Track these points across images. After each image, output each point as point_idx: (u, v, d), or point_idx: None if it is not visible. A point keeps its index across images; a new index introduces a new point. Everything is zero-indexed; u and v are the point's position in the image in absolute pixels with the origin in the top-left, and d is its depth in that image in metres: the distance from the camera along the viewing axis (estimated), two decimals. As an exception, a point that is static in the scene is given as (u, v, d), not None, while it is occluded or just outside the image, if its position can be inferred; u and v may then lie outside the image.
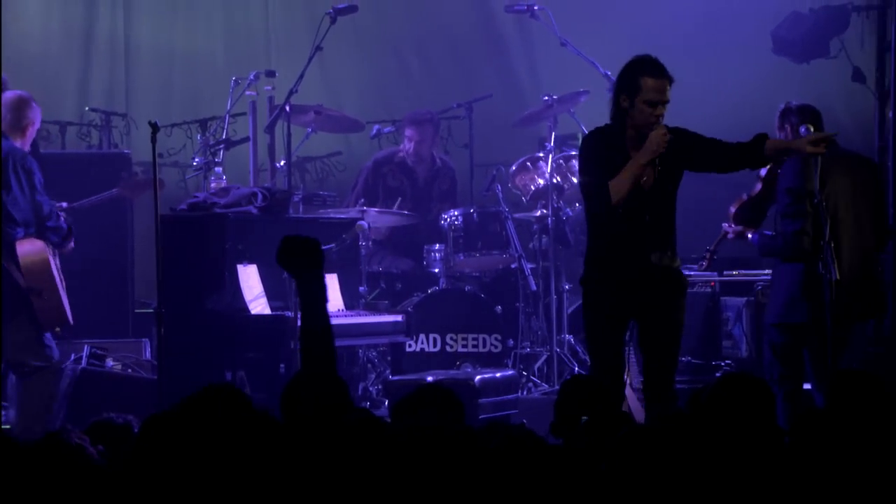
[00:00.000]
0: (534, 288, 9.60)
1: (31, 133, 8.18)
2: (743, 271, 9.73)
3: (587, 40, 10.28)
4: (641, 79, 6.75)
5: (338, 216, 9.50)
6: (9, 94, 8.13)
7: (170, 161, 11.12)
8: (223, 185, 9.22)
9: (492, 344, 9.71)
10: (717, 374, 9.13)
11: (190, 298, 8.28)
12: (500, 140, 10.87)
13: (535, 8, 10.16)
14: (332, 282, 8.74)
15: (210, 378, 8.20)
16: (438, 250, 9.84)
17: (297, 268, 5.25)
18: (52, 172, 8.57)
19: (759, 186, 7.81)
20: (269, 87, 10.33)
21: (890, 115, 9.70)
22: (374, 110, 11.51)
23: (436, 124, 10.51)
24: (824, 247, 7.26)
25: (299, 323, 8.09)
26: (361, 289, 9.33)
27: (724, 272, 9.66)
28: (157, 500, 3.81)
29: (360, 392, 9.19)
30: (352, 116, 10.75)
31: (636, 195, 6.76)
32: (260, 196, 8.71)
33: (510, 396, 8.81)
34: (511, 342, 9.68)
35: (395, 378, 8.83)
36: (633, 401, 8.19)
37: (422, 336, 9.65)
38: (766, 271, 9.39)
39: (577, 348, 9.72)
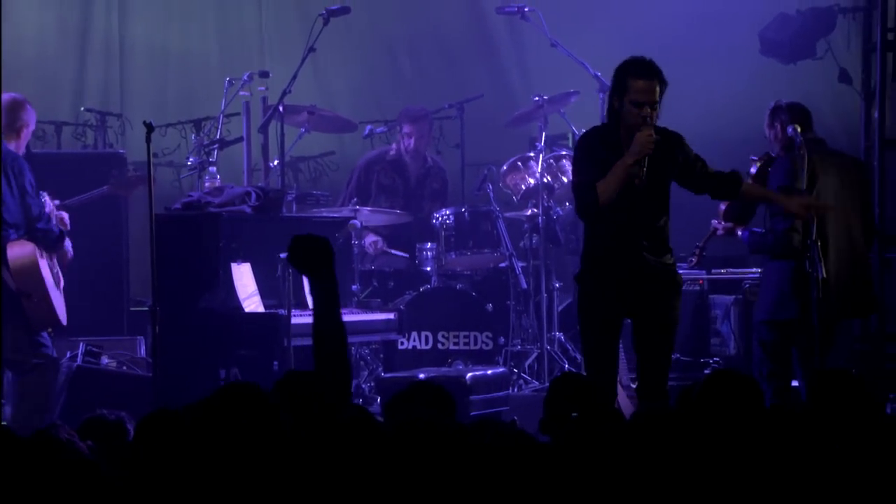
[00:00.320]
0: (524, 286, 9.60)
1: (26, 135, 8.16)
2: (731, 270, 9.74)
3: (577, 42, 10.28)
4: (628, 80, 6.76)
5: (331, 215, 9.51)
6: (3, 97, 8.11)
7: (164, 161, 11.11)
8: (217, 184, 9.21)
9: (483, 342, 9.71)
10: (706, 372, 9.15)
11: (184, 296, 8.26)
12: (492, 140, 10.87)
13: (526, 9, 10.16)
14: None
15: (204, 375, 8.22)
16: (430, 249, 9.84)
17: (309, 267, 5.22)
18: (47, 172, 8.57)
19: None
20: (263, 88, 10.31)
21: (875, 115, 9.70)
22: (366, 110, 11.50)
23: (430, 121, 10.52)
24: (811, 245, 7.27)
25: (297, 320, 8.16)
26: (354, 287, 9.33)
27: (713, 270, 9.67)
28: (154, 496, 3.81)
29: (352, 389, 9.18)
30: (344, 117, 10.75)
31: (629, 195, 6.76)
32: (254, 195, 8.70)
33: (501, 393, 8.82)
34: (502, 340, 9.68)
35: (388, 375, 8.82)
36: (622, 398, 8.19)
37: (414, 334, 9.65)
38: (754, 270, 9.42)
39: (568, 346, 9.72)
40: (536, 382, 9.39)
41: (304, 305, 8.57)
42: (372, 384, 9.27)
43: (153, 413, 4.36)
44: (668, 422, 4.17)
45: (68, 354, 8.74)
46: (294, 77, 9.74)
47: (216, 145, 10.05)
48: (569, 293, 9.83)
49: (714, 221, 7.92)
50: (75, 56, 11.85)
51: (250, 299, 8.38)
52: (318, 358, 5.10)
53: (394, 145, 10.54)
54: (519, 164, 9.94)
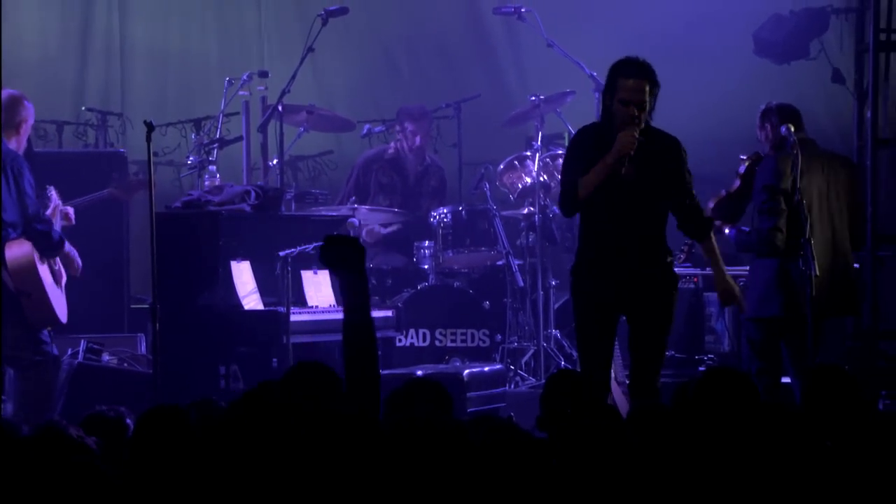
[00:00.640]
0: (521, 284, 9.60)
1: (25, 130, 8.15)
2: (726, 268, 9.72)
3: (573, 42, 10.27)
4: (619, 79, 6.79)
5: (329, 214, 9.50)
6: (1, 94, 8.11)
7: (165, 160, 11.10)
8: (217, 183, 9.20)
9: (480, 339, 9.71)
10: (701, 369, 9.15)
11: (184, 294, 8.26)
12: (488, 139, 10.87)
13: (522, 10, 10.16)
14: (323, 278, 8.73)
15: (204, 372, 8.23)
16: (428, 247, 9.84)
17: (343, 266, 5.21)
18: (49, 171, 8.56)
19: (737, 183, 7.81)
20: (262, 88, 10.31)
21: (868, 115, 9.70)
22: (364, 110, 11.49)
23: (431, 118, 10.54)
24: (804, 244, 7.27)
25: (295, 317, 8.16)
26: (352, 284, 9.30)
27: (707, 268, 9.66)
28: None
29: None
30: (343, 116, 10.74)
31: (625, 194, 6.76)
32: (253, 194, 8.70)
33: (498, 390, 8.82)
34: (499, 337, 9.68)
35: (386, 372, 8.79)
36: (617, 395, 8.19)
37: (411, 331, 9.64)
38: (748, 268, 9.41)
39: (564, 343, 9.72)
40: (533, 379, 9.39)
41: (302, 303, 8.58)
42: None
43: (152, 409, 4.36)
44: (664, 419, 4.17)
45: (69, 351, 8.73)
46: (293, 77, 9.74)
47: (216, 144, 10.05)
48: (565, 291, 9.81)
49: None
50: (76, 56, 11.84)
51: (249, 297, 8.38)
52: (347, 356, 5.10)
53: (392, 144, 10.53)
54: (516, 163, 9.94)
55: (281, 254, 8.24)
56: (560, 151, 9.82)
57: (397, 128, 10.49)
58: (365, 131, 10.86)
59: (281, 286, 8.24)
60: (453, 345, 9.70)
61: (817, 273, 7.23)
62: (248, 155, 10.27)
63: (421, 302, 9.63)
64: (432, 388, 5.00)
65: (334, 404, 4.69)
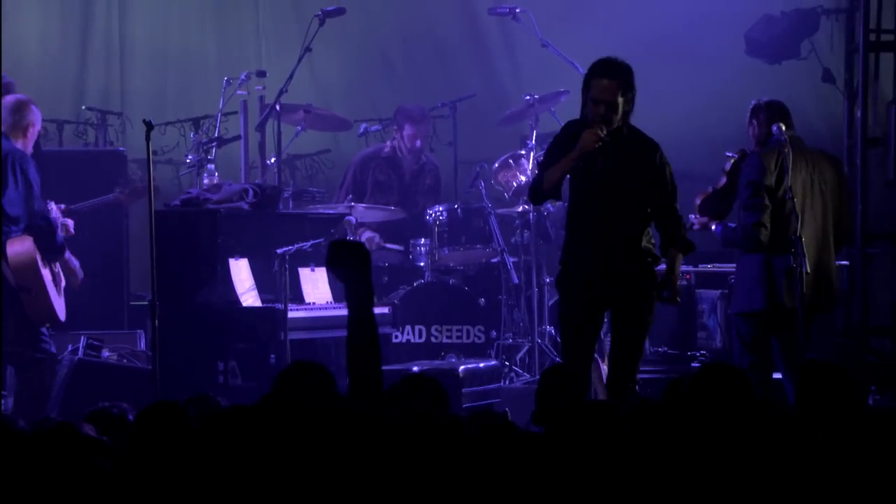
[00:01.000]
0: (516, 281, 9.59)
1: (33, 134, 8.18)
2: (717, 264, 9.74)
3: (567, 42, 10.27)
4: (591, 78, 6.86)
5: (326, 212, 9.49)
6: (9, 98, 8.16)
7: (164, 158, 11.08)
8: (215, 181, 9.19)
9: (475, 335, 9.70)
10: (693, 365, 9.15)
11: (183, 291, 8.26)
12: (484, 138, 10.86)
13: (517, 10, 10.16)
14: (321, 275, 8.73)
15: (202, 368, 8.22)
16: (424, 244, 9.83)
17: (348, 272, 5.20)
18: (49, 169, 8.54)
19: (723, 180, 7.82)
20: (260, 87, 10.29)
21: (858, 114, 9.71)
22: (361, 109, 11.48)
23: (430, 121, 10.55)
24: (795, 241, 7.27)
25: (293, 314, 8.15)
26: (349, 282, 9.29)
27: (699, 265, 9.67)
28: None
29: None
30: (340, 115, 10.73)
31: (603, 192, 6.81)
32: (251, 192, 8.69)
33: (493, 386, 8.82)
34: (494, 333, 9.67)
35: (382, 368, 8.79)
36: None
37: (408, 327, 9.64)
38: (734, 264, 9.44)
39: (558, 339, 9.71)
40: (527, 375, 9.39)
41: (300, 300, 8.57)
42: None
43: (152, 405, 4.35)
44: (659, 414, 4.17)
45: (70, 348, 8.73)
46: (290, 76, 9.73)
47: (214, 143, 10.04)
48: (559, 288, 9.82)
49: (691, 216, 7.92)
50: (76, 56, 11.83)
51: (247, 294, 8.37)
52: (351, 354, 5.09)
53: (388, 143, 10.52)
54: (510, 161, 9.94)
55: (278, 251, 8.24)
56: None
57: (395, 128, 10.48)
58: (362, 130, 10.86)
59: (279, 283, 8.24)
60: (449, 341, 9.69)
61: (808, 270, 7.23)
62: (247, 153, 10.25)
63: (417, 299, 9.62)
64: (428, 384, 5.00)
65: (330, 401, 4.69)
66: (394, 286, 9.84)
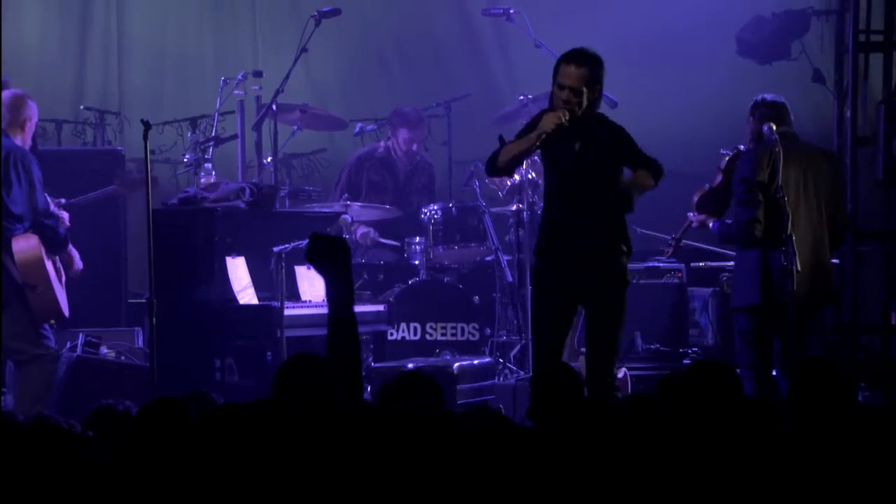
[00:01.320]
0: (510, 279, 9.58)
1: (30, 128, 8.16)
2: (709, 262, 9.75)
3: (561, 42, 10.12)
4: (560, 64, 6.88)
5: (322, 210, 9.48)
6: (5, 94, 8.12)
7: (161, 158, 11.06)
8: (212, 180, 9.18)
9: (469, 332, 9.69)
10: (685, 362, 9.15)
11: (181, 289, 8.24)
12: (478, 138, 10.82)
13: (511, 11, 10.15)
14: (316, 273, 8.69)
15: (200, 365, 8.20)
16: (419, 243, 9.82)
17: (328, 266, 5.18)
18: (48, 169, 8.52)
19: (719, 178, 7.83)
20: (257, 87, 10.29)
21: (848, 113, 9.71)
22: (357, 109, 11.46)
23: (426, 124, 10.54)
24: (786, 240, 7.27)
25: (289, 312, 8.13)
26: (345, 279, 9.29)
27: (692, 263, 9.67)
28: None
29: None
30: (336, 115, 10.72)
31: (574, 180, 6.81)
32: (248, 191, 8.68)
33: (487, 383, 8.80)
34: (488, 331, 9.67)
35: (378, 365, 8.81)
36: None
37: (403, 325, 9.63)
38: (731, 263, 9.43)
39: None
40: (521, 372, 9.37)
41: (296, 298, 8.56)
42: (362, 374, 9.24)
43: (153, 402, 4.35)
44: (654, 410, 4.16)
45: (68, 345, 8.72)
46: (287, 76, 9.72)
47: (211, 143, 10.02)
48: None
49: (689, 214, 7.93)
50: (75, 57, 11.81)
51: (244, 292, 8.36)
52: (331, 351, 5.07)
53: (382, 142, 10.52)
54: (505, 161, 9.92)
55: (275, 249, 8.22)
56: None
57: (390, 129, 10.48)
58: (357, 130, 10.85)
59: (275, 281, 8.22)
60: (443, 338, 9.68)
61: (798, 268, 7.23)
62: (243, 153, 10.24)
63: (412, 297, 9.61)
64: (424, 382, 4.99)
65: (331, 394, 4.68)
66: (389, 284, 9.83)
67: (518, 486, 3.78)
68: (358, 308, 8.78)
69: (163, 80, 11.89)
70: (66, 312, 8.05)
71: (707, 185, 7.86)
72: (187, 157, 10.12)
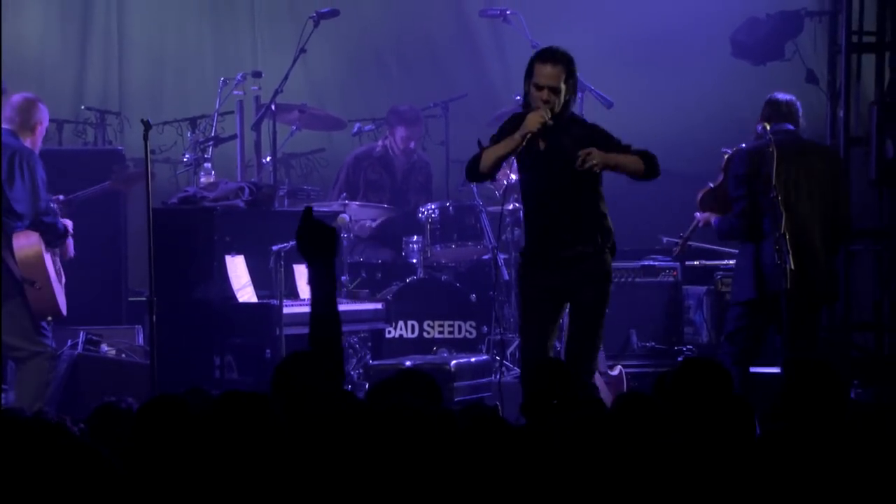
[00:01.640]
0: (506, 277, 9.58)
1: (41, 132, 8.19)
2: (704, 261, 9.75)
3: (556, 43, 10.21)
4: (534, 64, 6.88)
5: (321, 209, 9.46)
6: (17, 97, 8.16)
7: (161, 157, 11.05)
8: (212, 179, 9.17)
9: (467, 330, 9.69)
10: (679, 359, 9.15)
11: (180, 287, 8.24)
12: (475, 137, 10.79)
13: (508, 12, 10.15)
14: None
15: (199, 362, 8.20)
16: (416, 242, 9.82)
17: (314, 254, 5.14)
18: (49, 168, 8.51)
19: (720, 177, 7.85)
20: (256, 87, 10.29)
21: (841, 114, 9.70)
22: (355, 109, 11.46)
23: (423, 122, 10.53)
24: (780, 238, 7.27)
25: (288, 310, 8.13)
26: (343, 278, 9.31)
27: (686, 262, 9.68)
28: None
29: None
30: (334, 115, 10.71)
31: (551, 181, 6.79)
32: (247, 190, 8.67)
33: (484, 380, 8.80)
34: (485, 329, 9.66)
35: (375, 363, 8.80)
36: (600, 384, 8.18)
37: (400, 323, 9.62)
38: (725, 261, 9.45)
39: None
40: (518, 369, 9.36)
41: (295, 296, 8.55)
42: (360, 371, 9.25)
43: (154, 398, 4.34)
44: (648, 407, 4.16)
45: (69, 343, 8.72)
46: (285, 77, 9.71)
47: (211, 142, 10.02)
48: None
49: (696, 214, 7.94)
50: (76, 57, 11.81)
51: (244, 290, 8.35)
52: (313, 344, 5.06)
53: (380, 142, 10.52)
54: (501, 160, 9.91)
55: (274, 248, 8.21)
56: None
57: (387, 128, 10.47)
58: (356, 129, 10.85)
59: (274, 279, 8.21)
60: (441, 336, 9.68)
61: (792, 266, 7.23)
62: (243, 152, 10.24)
63: (409, 295, 9.60)
64: (421, 379, 4.98)
65: (330, 390, 4.67)
66: (387, 282, 9.82)
67: (512, 484, 3.78)
68: (356, 306, 8.90)
69: (163, 81, 11.89)
70: (65, 311, 8.05)
71: (710, 184, 7.89)
72: (187, 156, 10.12)
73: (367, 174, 10.34)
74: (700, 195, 7.87)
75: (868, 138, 9.32)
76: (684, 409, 4.41)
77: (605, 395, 7.93)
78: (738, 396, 4.69)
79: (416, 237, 9.83)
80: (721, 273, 9.42)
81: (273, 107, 9.77)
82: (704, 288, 9.56)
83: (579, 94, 9.50)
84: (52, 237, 8.01)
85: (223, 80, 10.27)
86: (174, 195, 8.85)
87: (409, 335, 9.69)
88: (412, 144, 10.33)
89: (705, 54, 10.93)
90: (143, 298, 8.53)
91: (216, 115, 10.29)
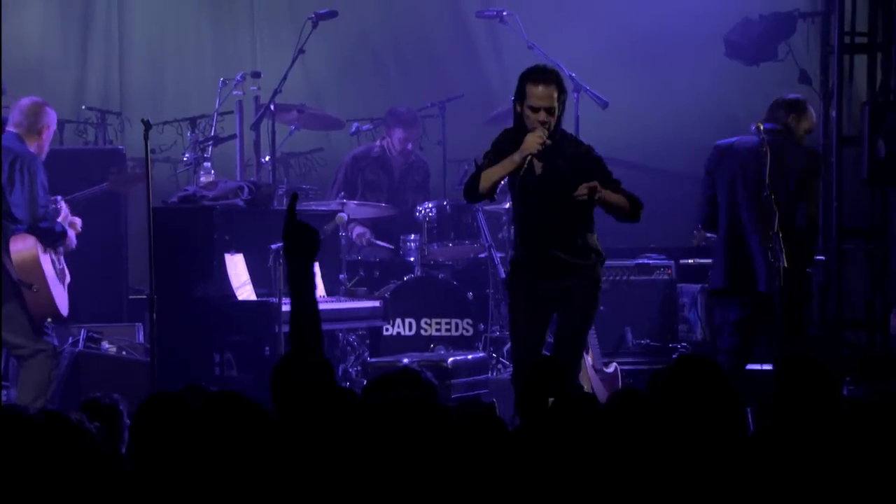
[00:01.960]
0: (503, 275, 9.57)
1: (48, 136, 8.17)
2: (698, 259, 9.75)
3: (552, 44, 10.24)
4: (526, 86, 6.88)
5: (319, 208, 9.48)
6: (25, 101, 8.15)
7: (162, 157, 11.06)
8: (212, 179, 9.17)
9: (463, 328, 9.69)
10: (674, 356, 9.15)
11: (180, 285, 8.24)
12: (471, 137, 10.82)
13: (504, 14, 10.14)
14: (314, 270, 8.70)
15: (199, 359, 8.20)
16: (414, 240, 9.82)
17: (298, 255, 5.15)
18: (50, 167, 8.52)
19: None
20: (255, 88, 10.29)
21: (833, 114, 9.72)
22: (353, 109, 11.46)
23: (420, 124, 10.53)
24: (773, 236, 7.28)
25: (287, 307, 8.13)
26: (341, 276, 9.31)
27: (681, 260, 9.69)
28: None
29: (339, 373, 9.17)
30: (332, 115, 10.72)
31: (540, 195, 6.81)
32: (246, 189, 8.68)
33: (480, 377, 8.81)
34: (481, 326, 9.66)
35: (373, 360, 8.81)
36: (595, 381, 8.20)
37: (398, 321, 9.62)
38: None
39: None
40: (511, 374, 9.38)
41: (294, 294, 8.54)
42: (358, 368, 9.26)
43: (154, 395, 4.35)
44: (642, 404, 4.17)
45: (70, 340, 8.72)
46: (284, 77, 9.71)
47: (210, 142, 10.02)
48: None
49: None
50: (77, 57, 11.80)
51: (243, 288, 8.36)
52: (293, 342, 5.07)
53: (378, 141, 10.52)
54: (497, 159, 9.91)
55: (273, 247, 8.21)
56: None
57: (385, 129, 10.48)
58: (353, 129, 10.85)
59: (273, 278, 8.22)
60: (438, 334, 9.68)
61: (786, 265, 7.24)
62: (242, 152, 10.24)
63: (407, 293, 9.61)
64: (417, 377, 4.98)
65: (328, 388, 4.67)
66: (384, 281, 9.83)
67: (507, 480, 3.79)
68: (354, 304, 8.91)
69: (163, 81, 11.89)
70: (65, 312, 8.04)
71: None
72: (187, 156, 10.12)
73: (365, 174, 10.34)
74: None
75: (860, 138, 9.34)
76: (678, 405, 4.41)
77: (601, 391, 7.95)
78: (731, 393, 4.69)
79: (413, 236, 9.84)
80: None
81: (272, 107, 9.77)
82: (699, 286, 9.57)
83: (575, 95, 9.52)
84: (50, 240, 8.00)
85: (223, 81, 10.27)
86: (174, 194, 8.86)
87: (407, 333, 9.69)
88: (409, 146, 10.34)
89: (699, 54, 10.94)
90: (144, 296, 8.54)
91: (216, 114, 10.29)
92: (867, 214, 9.69)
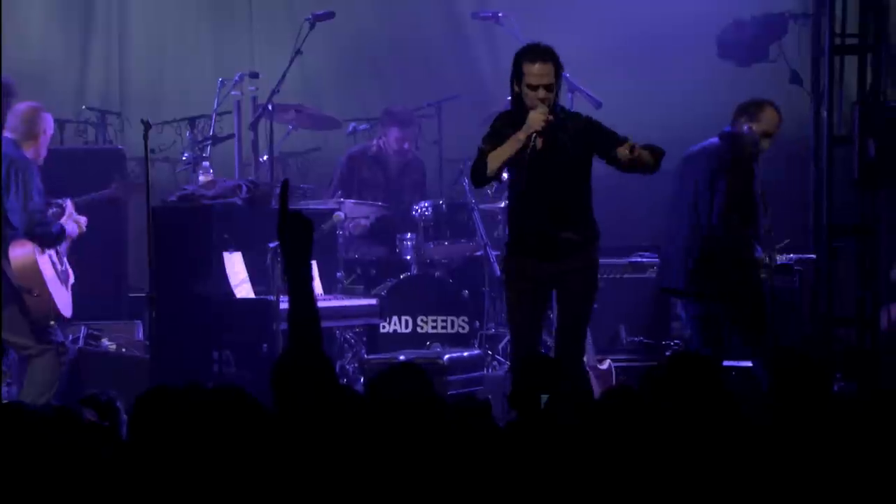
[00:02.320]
0: (498, 274, 9.58)
1: (45, 141, 8.15)
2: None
3: (546, 44, 10.25)
4: (523, 65, 6.86)
5: (316, 207, 9.47)
6: (21, 106, 8.13)
7: (161, 156, 11.04)
8: (210, 178, 9.17)
9: (459, 325, 9.69)
10: (667, 353, 9.16)
11: (180, 283, 8.23)
12: (467, 137, 10.81)
13: (500, 14, 10.15)
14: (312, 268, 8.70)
15: (198, 357, 8.19)
16: (410, 239, 9.82)
17: (293, 248, 5.13)
18: (51, 167, 8.52)
19: None
20: (253, 88, 10.27)
21: (824, 114, 9.71)
22: (350, 109, 11.46)
23: (416, 124, 10.53)
24: (765, 236, 7.30)
25: (285, 305, 8.11)
26: (338, 274, 9.31)
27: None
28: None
29: (337, 370, 9.16)
30: (330, 114, 10.71)
31: (541, 175, 6.77)
32: (244, 188, 8.67)
33: (476, 374, 8.81)
34: (477, 324, 9.67)
35: (370, 357, 8.81)
36: (589, 378, 8.19)
37: (394, 318, 9.62)
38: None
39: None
40: (509, 364, 9.37)
41: (292, 292, 8.54)
42: (355, 365, 9.26)
43: (152, 389, 4.34)
44: (636, 401, 4.16)
45: (70, 337, 8.72)
46: (282, 77, 9.71)
47: (209, 141, 10.02)
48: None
49: None
50: (77, 58, 11.80)
51: (241, 286, 8.35)
52: (292, 340, 5.05)
53: (374, 141, 10.51)
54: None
55: (271, 245, 8.21)
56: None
57: (381, 129, 10.47)
58: (350, 129, 10.85)
59: (271, 276, 8.21)
60: (434, 331, 9.68)
61: (778, 262, 7.25)
62: (240, 151, 10.23)
63: (403, 291, 9.61)
64: (414, 373, 4.97)
65: (328, 385, 4.66)
66: (381, 279, 9.82)
67: (501, 477, 3.78)
68: (351, 302, 8.91)
69: (162, 81, 11.89)
70: (67, 313, 8.03)
71: None
72: (186, 155, 10.12)
73: (362, 173, 10.34)
74: None
75: (851, 138, 9.33)
76: (671, 402, 4.41)
77: (595, 388, 7.94)
78: (724, 391, 4.69)
79: (409, 234, 9.83)
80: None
81: (270, 107, 9.77)
82: (692, 284, 9.56)
83: (569, 95, 9.52)
84: (49, 243, 7.98)
85: (221, 81, 10.26)
86: (173, 193, 8.85)
87: (403, 330, 9.69)
88: (406, 145, 10.33)
89: (692, 55, 10.94)
90: (144, 294, 8.53)
91: (214, 114, 10.29)
92: (857, 212, 9.69)
